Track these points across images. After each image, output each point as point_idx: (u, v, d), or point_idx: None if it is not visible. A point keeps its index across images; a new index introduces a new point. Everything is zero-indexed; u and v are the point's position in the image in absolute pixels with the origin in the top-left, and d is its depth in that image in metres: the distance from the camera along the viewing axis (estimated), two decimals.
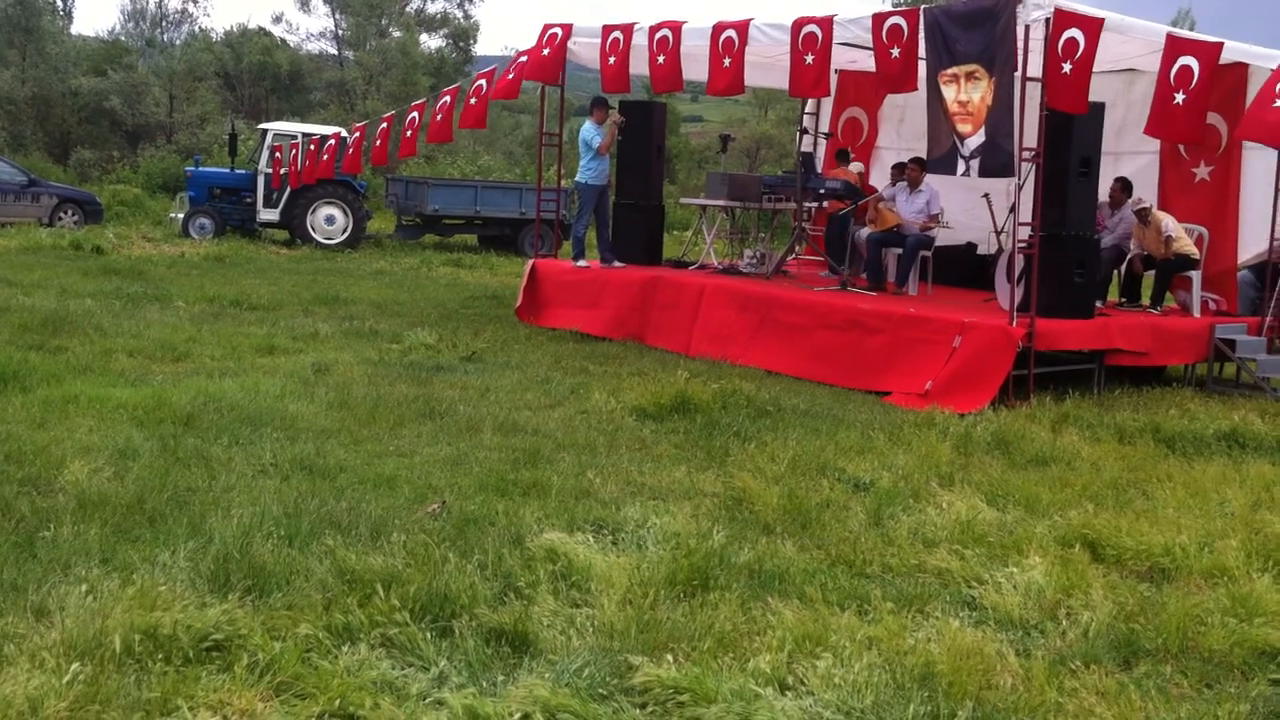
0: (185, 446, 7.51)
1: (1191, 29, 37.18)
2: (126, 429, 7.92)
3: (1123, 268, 13.92)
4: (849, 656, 4.70)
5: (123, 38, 47.84)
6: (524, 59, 15.57)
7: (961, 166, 11.46)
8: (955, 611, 5.43)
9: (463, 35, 52.13)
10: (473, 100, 16.40)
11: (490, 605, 5.08)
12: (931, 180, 13.89)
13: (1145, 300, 13.74)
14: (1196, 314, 13.22)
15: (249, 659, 4.35)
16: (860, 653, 4.76)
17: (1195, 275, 13.27)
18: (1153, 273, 13.52)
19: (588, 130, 15.10)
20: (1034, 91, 10.96)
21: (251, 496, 6.47)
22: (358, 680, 4.28)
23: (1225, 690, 4.79)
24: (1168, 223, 13.11)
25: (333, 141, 21.24)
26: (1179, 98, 11.30)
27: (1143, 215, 13.19)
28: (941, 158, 11.75)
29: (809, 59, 12.39)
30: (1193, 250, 13.24)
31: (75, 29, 49.24)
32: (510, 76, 15.70)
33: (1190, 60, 11.23)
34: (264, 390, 9.39)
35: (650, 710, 4.25)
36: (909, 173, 14.21)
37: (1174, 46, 11.37)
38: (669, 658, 4.59)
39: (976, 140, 11.17)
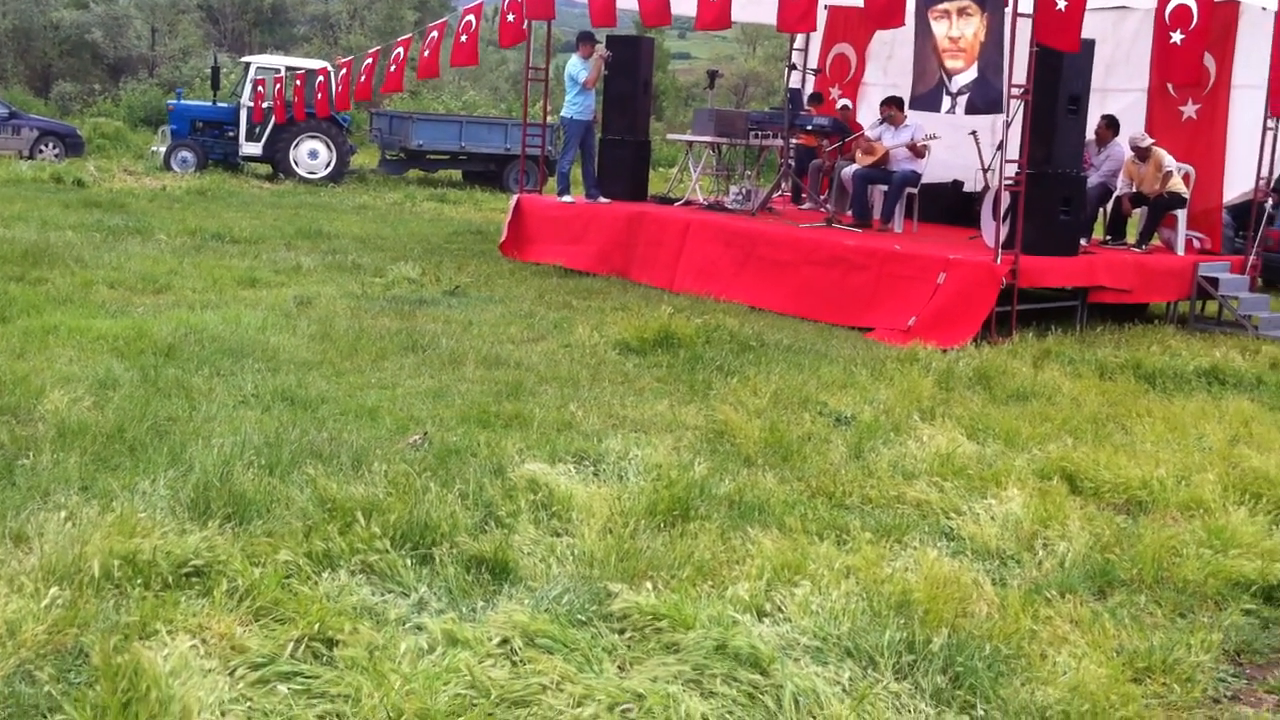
0: (166, 377, 7.48)
1: None
2: (107, 359, 7.88)
3: (1108, 206, 13.88)
4: (827, 585, 4.73)
5: None
6: None
7: (947, 103, 11.38)
8: (933, 542, 5.47)
9: None
10: (463, 38, 16.24)
11: (471, 534, 5.09)
12: (915, 117, 13.71)
13: (1130, 239, 13.72)
14: (1181, 252, 13.22)
15: (228, 584, 4.36)
16: (838, 581, 4.79)
17: (1181, 214, 13.24)
18: (1139, 211, 13.48)
19: (574, 65, 14.95)
20: (1024, 27, 10.84)
21: (232, 426, 6.46)
22: (337, 605, 4.29)
23: (1199, 620, 4.84)
24: (1168, 159, 13.03)
25: (322, 78, 21.03)
26: (1176, 37, 11.20)
27: (1144, 152, 13.07)
28: (926, 94, 11.66)
29: None
30: (1183, 189, 13.19)
31: None
32: (512, 19, 15.49)
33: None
34: (245, 322, 9.36)
35: (629, 636, 4.27)
36: (888, 112, 14.03)
37: None
38: (648, 585, 4.61)
39: (967, 77, 11.10)
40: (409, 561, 4.76)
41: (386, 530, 4.93)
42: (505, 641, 4.14)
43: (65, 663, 3.86)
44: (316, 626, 4.11)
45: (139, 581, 4.35)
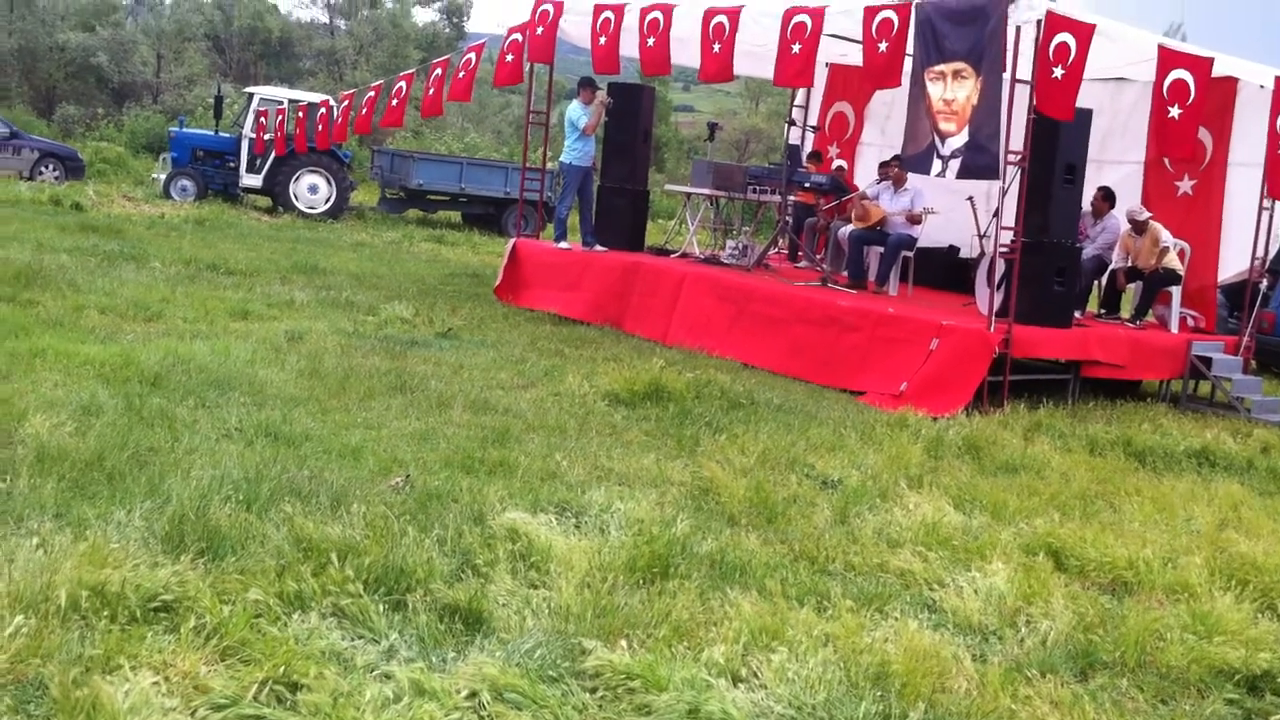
0: (150, 406, 7.42)
1: (1183, 40, 37.17)
2: (92, 385, 7.82)
3: (1103, 279, 13.87)
4: (804, 652, 4.66)
5: None
6: (516, 36, 15.45)
7: (938, 166, 11.35)
8: (915, 613, 5.40)
9: (456, 11, 51.98)
10: (461, 74, 16.30)
11: (446, 581, 5.02)
12: (916, 180, 13.74)
13: (1125, 314, 13.71)
14: (1175, 329, 13.22)
15: (196, 621, 4.29)
16: (816, 649, 4.72)
17: (1175, 290, 13.24)
18: (1134, 286, 13.46)
19: (574, 110, 14.99)
20: (1022, 94, 10.86)
21: (213, 460, 6.39)
22: (305, 649, 4.22)
23: (1180, 707, 4.77)
24: (1165, 234, 13.03)
25: (324, 110, 21.09)
26: (1174, 112, 11.24)
27: (1141, 226, 13.09)
28: (917, 156, 11.64)
29: (796, 48, 12.28)
30: (1179, 265, 13.19)
31: None
32: (510, 59, 15.55)
33: (1184, 74, 11.17)
34: (234, 354, 9.30)
35: (600, 695, 4.20)
36: (892, 172, 14.04)
37: (1167, 60, 11.31)
38: (623, 644, 4.54)
39: (958, 140, 11.08)
40: (381, 607, 4.68)
41: (360, 573, 4.86)
42: (474, 694, 4.07)
43: (25, 693, 3.80)
44: (282, 669, 4.04)
45: (106, 614, 4.28)
